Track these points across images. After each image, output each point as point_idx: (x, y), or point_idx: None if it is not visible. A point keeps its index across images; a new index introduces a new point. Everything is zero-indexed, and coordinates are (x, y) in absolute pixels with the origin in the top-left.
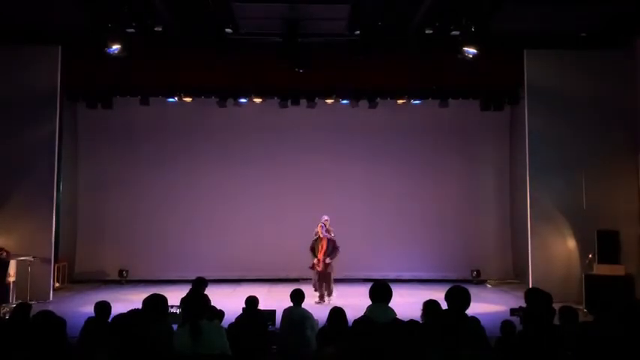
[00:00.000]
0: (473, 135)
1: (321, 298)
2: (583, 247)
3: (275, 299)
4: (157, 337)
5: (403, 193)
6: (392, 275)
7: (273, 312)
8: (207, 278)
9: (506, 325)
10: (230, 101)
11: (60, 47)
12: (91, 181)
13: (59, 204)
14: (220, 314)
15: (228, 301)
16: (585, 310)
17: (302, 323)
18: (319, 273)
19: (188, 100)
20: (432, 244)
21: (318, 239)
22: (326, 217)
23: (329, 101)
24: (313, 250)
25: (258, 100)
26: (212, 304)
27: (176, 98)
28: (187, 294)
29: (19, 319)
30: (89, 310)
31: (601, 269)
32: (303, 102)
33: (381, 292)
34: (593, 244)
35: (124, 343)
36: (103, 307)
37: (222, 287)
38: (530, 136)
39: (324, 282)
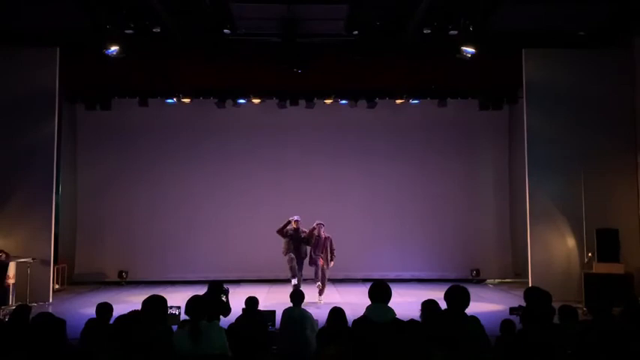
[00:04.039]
0: (472, 134)
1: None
2: (582, 246)
3: (275, 299)
4: (156, 338)
5: (402, 193)
6: (391, 275)
7: (273, 312)
8: (206, 279)
9: (505, 324)
10: (229, 102)
11: (58, 49)
12: (90, 182)
13: (58, 206)
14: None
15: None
16: (585, 309)
17: (302, 323)
18: (322, 269)
19: (187, 101)
20: (431, 243)
21: (318, 239)
22: (297, 217)
23: (328, 101)
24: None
25: (256, 101)
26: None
27: (175, 99)
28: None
29: (18, 321)
30: (89, 311)
31: (600, 268)
32: (302, 102)
33: (380, 291)
34: (592, 243)
35: (124, 345)
36: (104, 309)
37: None
38: (529, 135)
39: (323, 279)
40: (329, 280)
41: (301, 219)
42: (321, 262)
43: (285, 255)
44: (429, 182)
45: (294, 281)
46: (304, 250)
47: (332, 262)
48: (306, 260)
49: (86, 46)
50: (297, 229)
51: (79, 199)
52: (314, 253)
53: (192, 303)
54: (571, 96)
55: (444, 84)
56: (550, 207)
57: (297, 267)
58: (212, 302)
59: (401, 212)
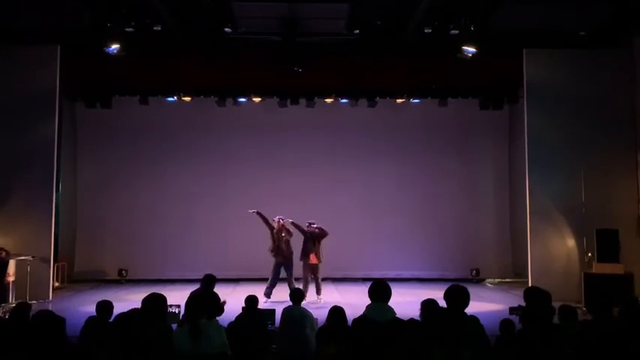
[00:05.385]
0: (472, 134)
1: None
2: (582, 246)
3: (274, 298)
4: (156, 336)
5: (402, 192)
6: (391, 274)
7: (272, 311)
8: None
9: (505, 323)
10: (229, 101)
11: (59, 47)
12: (91, 180)
13: (58, 203)
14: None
15: (228, 300)
16: (584, 309)
17: (301, 322)
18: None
19: (187, 99)
20: (431, 243)
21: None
22: (279, 217)
23: (328, 100)
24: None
25: (257, 100)
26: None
27: (175, 98)
28: (197, 291)
29: (18, 318)
30: (89, 309)
31: (600, 268)
32: (303, 101)
33: (380, 291)
34: (592, 243)
35: (123, 343)
36: (104, 307)
37: (222, 286)
38: (529, 134)
39: (315, 279)
40: (329, 279)
41: (293, 218)
42: (312, 260)
43: (270, 252)
44: (429, 182)
45: (264, 299)
46: (290, 249)
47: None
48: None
49: (87, 44)
50: (280, 229)
51: (79, 197)
52: (304, 252)
53: (192, 302)
54: (571, 96)
55: (445, 84)
56: (550, 207)
57: (272, 288)
58: (208, 297)
59: (401, 211)
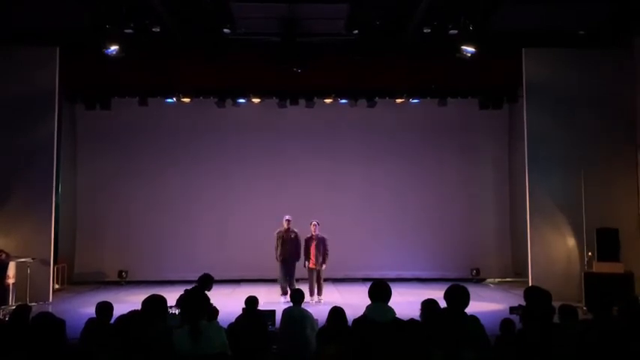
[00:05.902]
0: (472, 133)
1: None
2: (582, 245)
3: (275, 299)
4: (156, 337)
5: (402, 192)
6: (392, 274)
7: (272, 312)
8: None
9: (505, 323)
10: (229, 101)
11: (58, 48)
12: (90, 182)
13: (58, 205)
14: (214, 312)
15: (228, 301)
16: (585, 308)
17: (302, 323)
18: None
19: (186, 100)
20: (431, 242)
21: (310, 239)
22: (288, 217)
23: (327, 101)
24: (308, 252)
25: (256, 100)
26: (212, 303)
27: (174, 99)
28: (191, 290)
29: (18, 320)
30: (89, 311)
31: (600, 267)
32: (302, 102)
33: (380, 291)
34: (592, 242)
35: (124, 344)
36: (104, 308)
37: (222, 287)
38: (529, 134)
39: (317, 280)
40: (329, 279)
41: (293, 218)
42: (312, 264)
43: (277, 259)
44: (429, 181)
45: (283, 299)
46: (295, 251)
47: (324, 265)
48: (300, 262)
49: (86, 45)
50: (287, 230)
51: (79, 199)
52: (306, 254)
53: (190, 301)
54: (571, 95)
55: (444, 83)
56: (550, 206)
57: (287, 283)
58: (201, 297)
59: (401, 212)
